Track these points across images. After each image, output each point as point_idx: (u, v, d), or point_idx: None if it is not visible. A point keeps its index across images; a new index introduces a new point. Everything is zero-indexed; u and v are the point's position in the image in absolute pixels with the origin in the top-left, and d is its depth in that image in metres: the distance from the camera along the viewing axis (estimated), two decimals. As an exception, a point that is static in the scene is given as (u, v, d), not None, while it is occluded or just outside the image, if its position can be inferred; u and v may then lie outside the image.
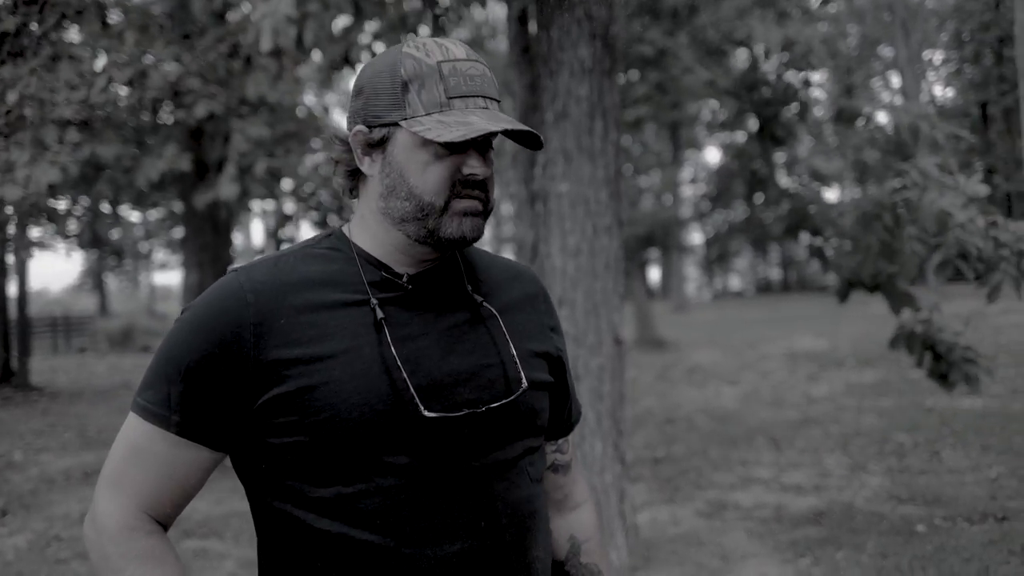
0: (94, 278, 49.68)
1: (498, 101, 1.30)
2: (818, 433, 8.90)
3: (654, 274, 55.20)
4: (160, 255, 48.85)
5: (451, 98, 1.24)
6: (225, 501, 7.07)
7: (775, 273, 57.36)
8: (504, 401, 1.30)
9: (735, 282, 62.10)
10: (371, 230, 1.35)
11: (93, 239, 33.93)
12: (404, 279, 1.33)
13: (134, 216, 34.39)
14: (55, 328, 26.95)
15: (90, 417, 12.19)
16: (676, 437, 9.19)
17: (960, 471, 6.89)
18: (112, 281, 53.64)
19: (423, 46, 1.28)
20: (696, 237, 51.91)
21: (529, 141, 1.31)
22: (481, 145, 1.29)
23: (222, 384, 1.24)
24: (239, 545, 5.94)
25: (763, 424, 9.63)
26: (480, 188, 1.29)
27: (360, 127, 1.30)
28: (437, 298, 1.35)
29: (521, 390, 1.32)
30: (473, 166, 1.26)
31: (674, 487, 7.05)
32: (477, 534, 1.26)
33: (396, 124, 1.26)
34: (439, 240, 1.28)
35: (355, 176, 1.37)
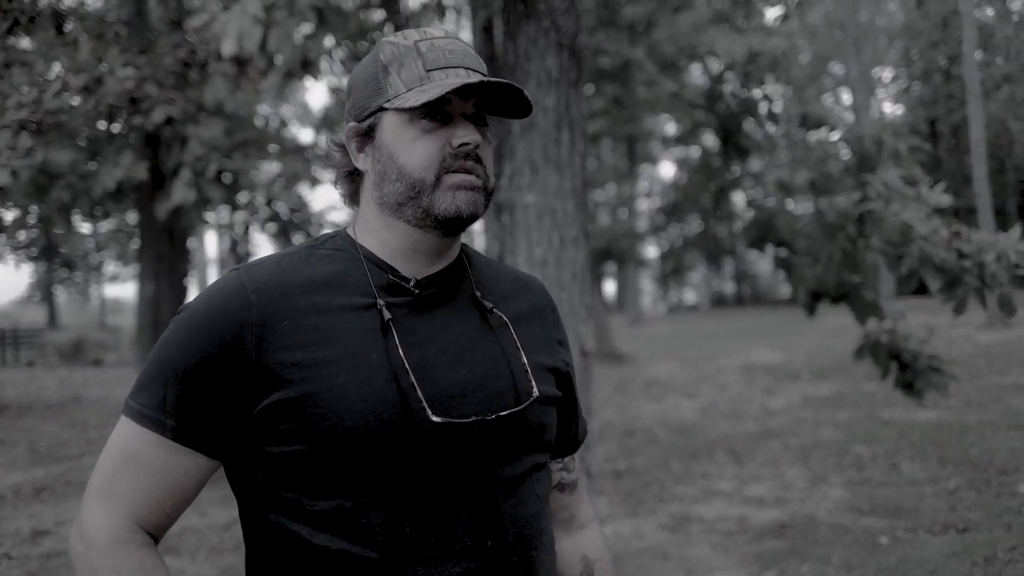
0: (43, 290, 48.78)
1: (484, 75, 1.26)
2: (778, 446, 8.94)
3: (610, 288, 55.50)
4: (111, 267, 48.11)
5: (430, 70, 1.23)
6: (182, 517, 6.93)
7: (729, 287, 57.94)
8: (513, 410, 1.24)
9: (690, 296, 62.61)
10: (374, 230, 1.30)
11: (45, 250, 33.36)
12: (412, 283, 1.28)
13: (85, 227, 33.88)
14: (3, 341, 26.38)
15: (40, 432, 11.91)
16: (636, 450, 9.18)
17: (919, 483, 6.95)
18: (62, 293, 52.70)
19: (401, 33, 1.28)
20: (651, 251, 52.29)
21: (515, 108, 1.28)
22: (473, 116, 1.26)
23: (221, 388, 1.18)
24: (195, 563, 5.81)
25: (723, 437, 9.66)
26: (474, 160, 1.24)
27: (351, 124, 1.29)
28: (446, 304, 1.30)
29: (531, 400, 1.27)
30: (461, 135, 1.22)
31: (636, 500, 7.03)
32: (483, 553, 1.21)
33: (381, 109, 1.25)
34: (436, 219, 1.24)
35: (354, 180, 1.34)
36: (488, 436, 1.23)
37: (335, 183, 1.37)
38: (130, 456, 1.21)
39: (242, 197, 11.79)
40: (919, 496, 6.54)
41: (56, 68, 7.47)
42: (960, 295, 4.32)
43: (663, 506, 6.80)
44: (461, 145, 1.22)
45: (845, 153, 5.12)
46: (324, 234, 1.37)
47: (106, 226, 32.88)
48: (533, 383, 1.29)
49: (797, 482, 7.33)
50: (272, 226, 12.45)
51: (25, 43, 7.78)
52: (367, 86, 1.27)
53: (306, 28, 5.50)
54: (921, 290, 4.84)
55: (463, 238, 1.38)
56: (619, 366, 18.81)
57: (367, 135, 1.28)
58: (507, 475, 1.25)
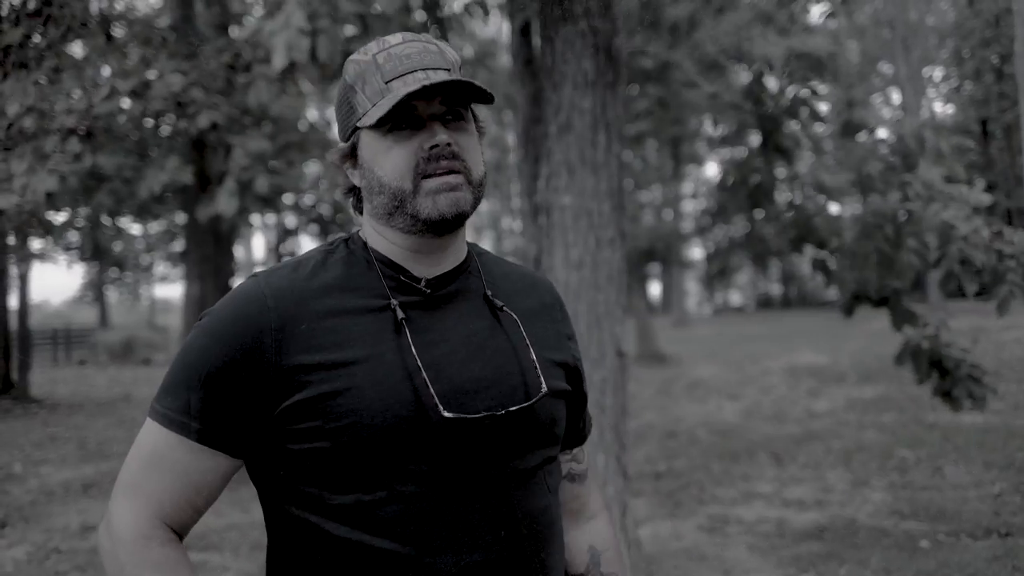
0: (95, 291, 49.60)
1: (447, 70, 1.28)
2: (820, 448, 8.87)
3: (655, 289, 55.20)
4: (161, 268, 48.76)
5: (388, 81, 1.25)
6: (225, 514, 7.04)
7: (776, 288, 57.35)
8: (523, 405, 1.28)
9: (736, 297, 62.06)
10: (379, 237, 1.35)
11: (94, 251, 33.93)
12: (422, 283, 1.32)
13: (135, 229, 34.41)
14: (55, 340, 26.93)
15: (90, 429, 12.15)
16: (677, 451, 9.16)
17: (963, 487, 6.87)
18: (112, 294, 53.54)
19: (362, 49, 1.32)
20: (697, 252, 51.89)
21: (481, 94, 1.28)
22: (445, 114, 1.27)
23: (243, 391, 1.22)
24: (238, 558, 5.91)
25: (765, 439, 9.60)
26: (451, 158, 1.26)
27: (339, 145, 1.35)
28: (457, 302, 1.34)
29: (541, 395, 1.30)
30: (430, 138, 1.24)
31: (676, 502, 7.02)
32: (497, 544, 1.24)
33: (356, 128, 1.29)
34: (423, 224, 1.27)
35: (358, 195, 1.39)
36: (500, 430, 1.26)
37: (344, 197, 1.43)
38: (156, 457, 1.25)
39: (287, 199, 11.93)
40: (962, 500, 6.46)
41: (106, 73, 7.63)
42: (1002, 295, 4.27)
43: (702, 508, 6.78)
44: (432, 148, 1.24)
45: (886, 154, 5.07)
46: (337, 238, 1.41)
47: (156, 227, 33.38)
48: (542, 378, 1.31)
49: (838, 485, 7.27)
50: (314, 227, 12.58)
51: (76, 49, 7.95)
52: (342, 108, 1.32)
53: (349, 31, 5.58)
54: (964, 293, 4.79)
55: (473, 238, 1.41)
56: (662, 368, 18.74)
57: (351, 155, 1.33)
58: (519, 468, 1.29)
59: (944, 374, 5.10)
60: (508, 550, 1.25)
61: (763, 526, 6.17)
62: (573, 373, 1.45)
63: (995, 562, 5.00)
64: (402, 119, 1.25)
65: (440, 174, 1.25)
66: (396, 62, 1.26)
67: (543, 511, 1.32)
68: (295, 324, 1.24)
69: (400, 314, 1.26)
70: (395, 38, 1.30)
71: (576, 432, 1.52)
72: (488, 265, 1.44)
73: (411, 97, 1.21)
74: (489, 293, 1.38)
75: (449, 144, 1.25)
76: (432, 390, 1.21)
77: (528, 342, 1.35)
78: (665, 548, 5.75)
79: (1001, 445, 8.20)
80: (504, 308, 1.37)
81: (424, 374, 1.22)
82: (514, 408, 1.26)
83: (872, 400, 11.84)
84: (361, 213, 1.41)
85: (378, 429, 1.20)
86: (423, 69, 1.26)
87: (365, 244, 1.35)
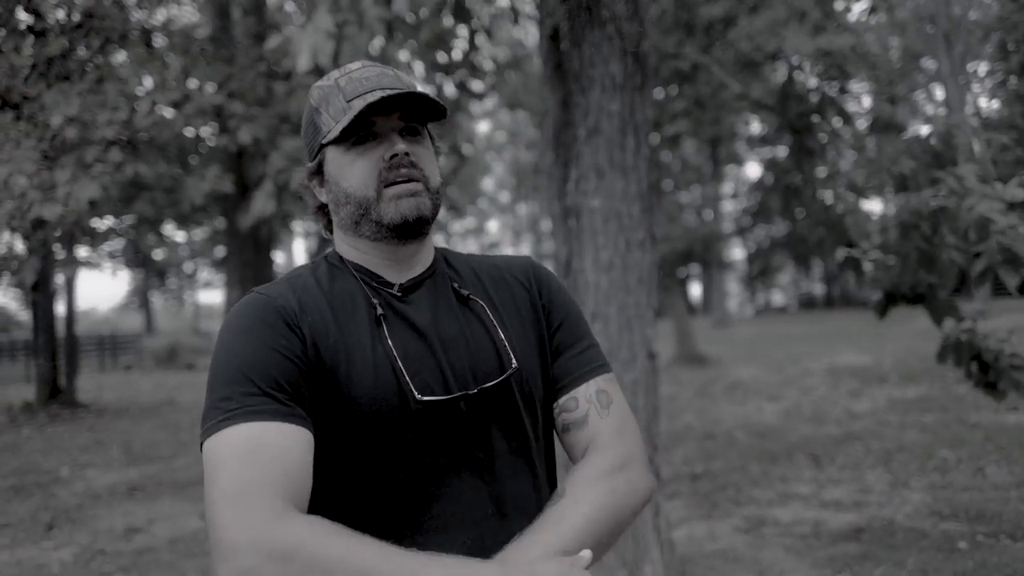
0: (140, 297, 50.38)
1: (405, 90, 1.37)
2: (859, 449, 8.80)
3: (695, 290, 54.90)
4: (204, 274, 49.45)
5: (349, 100, 1.37)
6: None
7: (818, 288, 56.80)
8: (495, 382, 1.36)
9: (778, 298, 61.58)
10: (350, 248, 1.45)
11: (139, 258, 34.45)
12: (396, 287, 1.42)
13: (179, 236, 34.88)
14: (102, 346, 27.40)
15: (135, 434, 12.36)
16: (715, 453, 9.13)
17: (1004, 487, 6.78)
18: (157, 300, 54.32)
19: (325, 76, 1.45)
20: (737, 252, 51.57)
21: (429, 110, 1.41)
22: (404, 129, 1.39)
23: (297, 362, 1.27)
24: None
25: (804, 440, 9.54)
26: (410, 166, 1.37)
27: (306, 166, 1.47)
28: (428, 300, 1.43)
29: (511, 370, 1.38)
30: (389, 148, 1.37)
31: (712, 503, 7.01)
32: (486, 522, 1.31)
33: (322, 147, 1.41)
34: (387, 228, 1.37)
35: (325, 213, 1.50)
36: (477, 409, 1.35)
37: (313, 217, 1.53)
38: (247, 453, 1.18)
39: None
40: (1003, 500, 6.39)
41: (147, 83, 7.78)
42: (1041, 292, 4.22)
43: (738, 509, 6.76)
44: (392, 157, 1.36)
45: (919, 152, 5.03)
46: (316, 259, 1.52)
47: (199, 234, 33.81)
48: (512, 355, 1.40)
49: (877, 486, 7.21)
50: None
51: (118, 59, 8.10)
52: (308, 130, 1.44)
53: (378, 41, 5.64)
54: (1006, 290, 4.73)
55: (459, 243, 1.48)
56: (702, 369, 18.65)
57: (318, 172, 1.45)
58: (502, 450, 1.37)
59: (986, 368, 5.04)
60: (496, 528, 1.31)
61: (800, 527, 6.14)
62: (548, 324, 1.51)
63: (1034, 563, 4.95)
64: (364, 134, 1.36)
65: (400, 181, 1.36)
66: (356, 84, 1.39)
67: (531, 491, 1.39)
68: (304, 314, 1.32)
69: (379, 310, 1.36)
70: (355, 64, 1.43)
71: (569, 371, 1.49)
72: (456, 264, 1.53)
73: (371, 109, 1.33)
74: (456, 286, 1.47)
75: (407, 154, 1.36)
76: (407, 377, 1.30)
77: (496, 323, 1.44)
78: (700, 549, 5.75)
79: (1045, 445, 8.09)
80: (471, 296, 1.46)
81: (400, 363, 1.31)
82: (487, 385, 1.35)
83: (914, 400, 11.70)
84: (329, 231, 1.52)
85: (366, 415, 1.28)
86: (380, 89, 1.37)
87: (341, 258, 1.46)
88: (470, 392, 1.34)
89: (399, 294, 1.41)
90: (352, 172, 1.37)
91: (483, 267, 1.56)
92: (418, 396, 1.29)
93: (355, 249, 1.44)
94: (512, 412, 1.39)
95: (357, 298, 1.38)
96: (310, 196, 1.48)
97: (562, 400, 1.47)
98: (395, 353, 1.31)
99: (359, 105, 1.34)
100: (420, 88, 1.41)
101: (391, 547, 1.15)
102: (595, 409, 1.45)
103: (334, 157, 1.40)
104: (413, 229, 1.38)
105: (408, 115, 1.40)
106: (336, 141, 1.37)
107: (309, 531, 1.12)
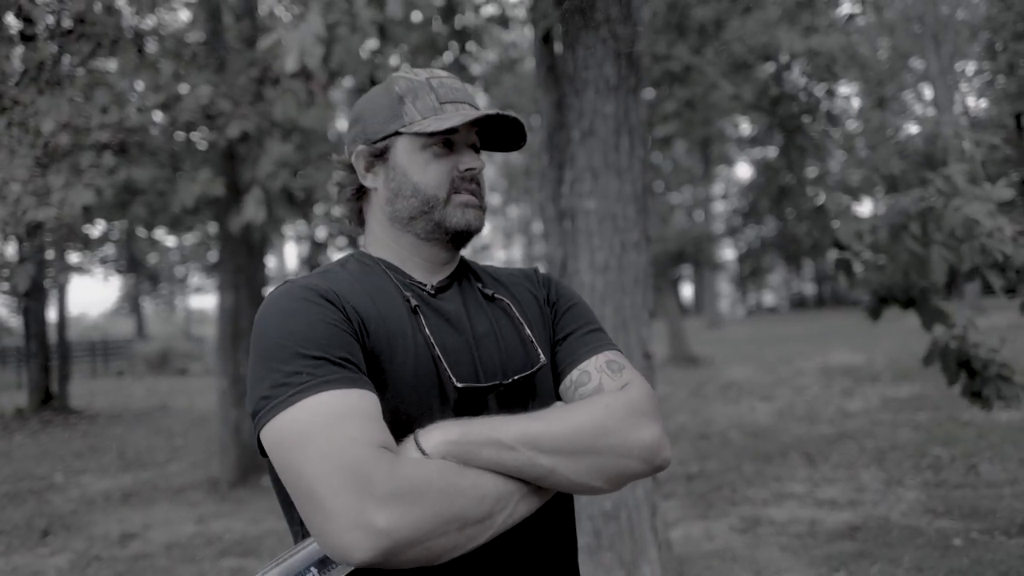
0: (131, 302, 50.23)
1: (506, 113, 1.44)
2: (853, 448, 8.83)
3: (687, 291, 54.98)
4: (196, 279, 49.29)
5: (443, 103, 1.43)
6: (261, 521, 7.15)
7: (809, 288, 56.97)
8: (525, 374, 1.42)
9: (769, 298, 61.72)
10: (385, 243, 1.49)
11: (130, 263, 34.36)
12: (428, 287, 1.45)
13: (170, 240, 34.79)
14: (94, 352, 27.32)
15: (129, 439, 12.34)
16: (710, 453, 9.16)
17: (998, 484, 6.82)
18: (149, 305, 54.17)
19: (412, 71, 1.49)
20: (729, 253, 51.66)
21: (510, 141, 1.50)
22: (473, 146, 1.47)
23: (354, 336, 1.28)
24: (275, 563, 5.98)
25: (797, 439, 9.57)
26: (476, 183, 1.46)
27: (361, 146, 1.47)
28: (457, 299, 1.47)
29: (540, 364, 1.44)
30: (467, 161, 1.43)
31: (708, 503, 7.03)
32: None
33: (396, 134, 1.43)
34: (446, 231, 1.43)
35: (359, 198, 1.52)
36: (507, 400, 1.39)
37: (338, 198, 1.54)
38: (338, 417, 1.15)
39: (318, 209, 12.01)
40: (997, 497, 6.42)
41: (138, 87, 7.76)
42: (1026, 293, 4.26)
43: (734, 509, 6.79)
44: (468, 169, 1.43)
45: (909, 154, 5.06)
46: (343, 256, 1.53)
47: (190, 239, 33.72)
48: (540, 351, 1.47)
49: (871, 484, 7.24)
50: (343, 240, 12.67)
51: (109, 65, 8.08)
52: (381, 113, 1.45)
53: (372, 44, 5.65)
54: (993, 290, 4.76)
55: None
56: (695, 369, 18.69)
57: (379, 156, 1.46)
58: None
59: (973, 374, 5.07)
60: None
61: (795, 526, 6.16)
62: (552, 317, 1.56)
63: (1029, 559, 4.98)
64: (448, 139, 1.43)
65: (468, 192, 1.44)
66: (448, 90, 1.45)
67: None
68: (347, 300, 1.33)
69: (414, 302, 1.39)
70: (440, 71, 1.49)
71: (572, 352, 1.50)
72: (479, 271, 1.59)
73: (477, 121, 1.42)
74: (480, 286, 1.53)
75: (478, 173, 1.45)
76: (446, 364, 1.34)
77: (523, 320, 1.50)
78: (697, 549, 5.77)
79: (1037, 442, 8.13)
80: (496, 296, 1.52)
81: (437, 350, 1.35)
82: (518, 376, 1.41)
83: (907, 399, 11.75)
84: (357, 220, 1.55)
85: (405, 400, 1.30)
86: (468, 104, 1.45)
87: (372, 256, 1.49)
88: (505, 382, 1.39)
89: (432, 292, 1.45)
90: (427, 171, 1.42)
91: (499, 273, 1.62)
92: (456, 384, 1.33)
93: (394, 244, 1.47)
94: (538, 404, 1.42)
95: (391, 291, 1.40)
96: (348, 175, 1.50)
97: (575, 374, 1.47)
98: (433, 341, 1.35)
99: (454, 112, 1.40)
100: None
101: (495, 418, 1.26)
102: (607, 376, 1.45)
103: (409, 149, 1.43)
104: (466, 238, 1.46)
105: (481, 136, 1.49)
106: (417, 135, 1.41)
107: (424, 463, 1.15)
